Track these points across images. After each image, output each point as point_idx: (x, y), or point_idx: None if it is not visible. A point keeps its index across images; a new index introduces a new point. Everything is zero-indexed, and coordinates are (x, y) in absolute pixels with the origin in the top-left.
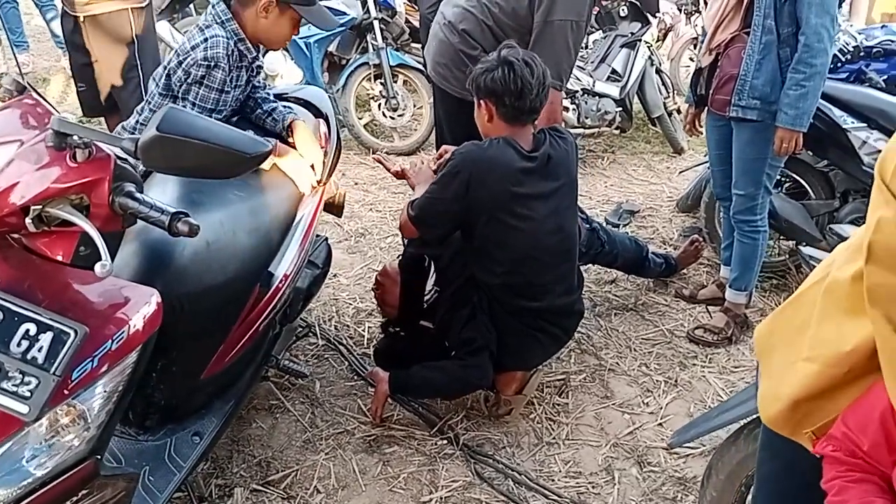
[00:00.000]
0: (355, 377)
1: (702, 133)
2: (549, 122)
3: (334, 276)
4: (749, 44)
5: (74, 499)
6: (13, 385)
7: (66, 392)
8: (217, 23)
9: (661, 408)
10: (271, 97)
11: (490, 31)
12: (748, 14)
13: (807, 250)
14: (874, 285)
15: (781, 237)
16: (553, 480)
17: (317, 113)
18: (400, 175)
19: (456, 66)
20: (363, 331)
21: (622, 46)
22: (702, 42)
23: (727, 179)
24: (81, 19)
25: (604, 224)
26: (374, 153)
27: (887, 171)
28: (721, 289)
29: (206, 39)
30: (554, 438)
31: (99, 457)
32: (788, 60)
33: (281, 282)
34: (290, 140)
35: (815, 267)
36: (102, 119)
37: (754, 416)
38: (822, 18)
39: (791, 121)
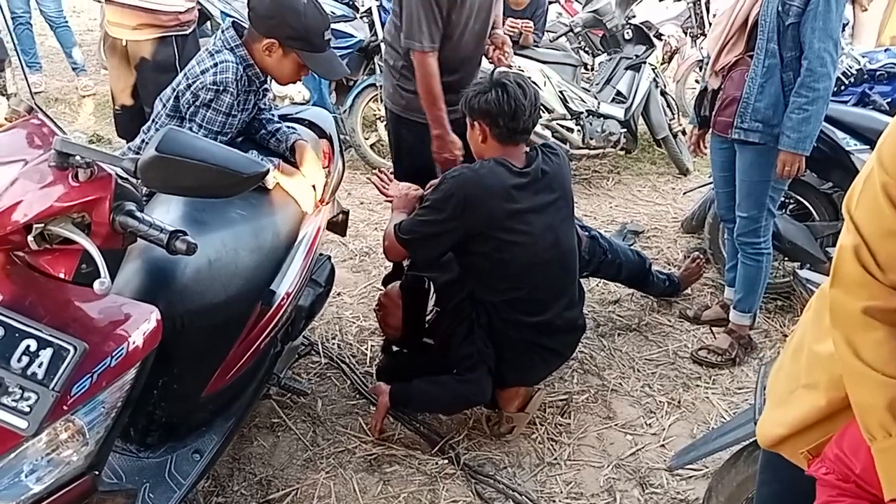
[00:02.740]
0: (357, 396)
1: (706, 154)
2: (431, 94)
3: (338, 294)
4: (752, 67)
5: None
6: (13, 400)
7: (65, 408)
8: (227, 48)
9: (664, 429)
10: (275, 118)
11: (398, 31)
12: (752, 37)
13: (804, 273)
14: (836, 308)
15: (785, 259)
16: (554, 501)
17: (320, 133)
18: (388, 197)
19: (387, 79)
20: (366, 349)
21: (627, 69)
22: (706, 64)
23: (731, 201)
24: (124, 43)
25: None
26: (374, 171)
27: (851, 201)
28: (725, 310)
29: (215, 64)
30: (555, 459)
31: (97, 472)
32: (791, 84)
33: (283, 300)
34: (294, 160)
35: (812, 291)
36: (124, 140)
37: (754, 439)
38: (826, 43)
39: (793, 144)
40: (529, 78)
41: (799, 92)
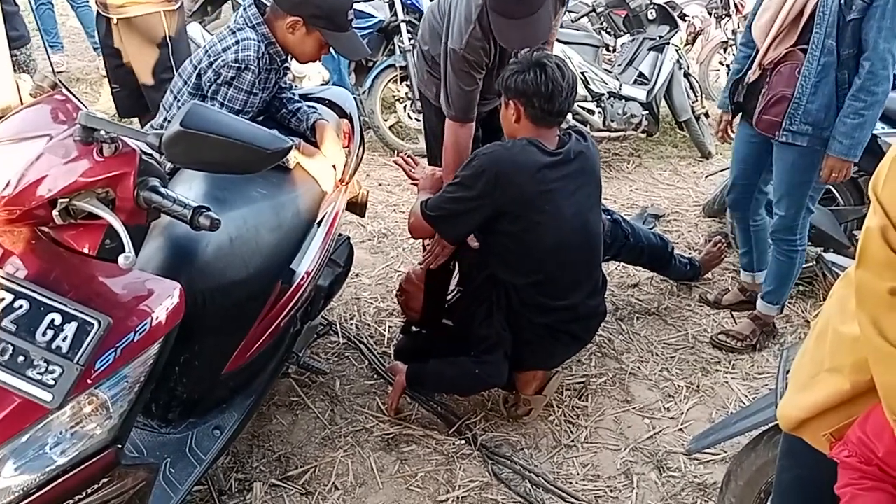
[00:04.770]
0: (375, 376)
1: (733, 141)
2: (455, 166)
3: (356, 275)
4: (806, 64)
5: (95, 486)
6: (38, 373)
7: (89, 381)
8: (248, 26)
9: (682, 413)
10: (296, 97)
11: (439, 21)
12: (806, 30)
13: (830, 257)
14: (862, 289)
15: (809, 243)
16: (571, 483)
17: (341, 113)
18: (415, 180)
19: (420, 62)
20: (384, 330)
21: (650, 50)
22: (733, 45)
23: (746, 193)
24: (115, 21)
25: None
26: (398, 154)
27: (879, 183)
28: (744, 292)
29: (237, 42)
30: (573, 441)
31: (120, 446)
32: (846, 84)
33: (302, 279)
34: (315, 139)
35: (837, 275)
36: (136, 119)
37: (774, 423)
38: (891, 43)
39: (845, 151)
40: None
41: (857, 96)
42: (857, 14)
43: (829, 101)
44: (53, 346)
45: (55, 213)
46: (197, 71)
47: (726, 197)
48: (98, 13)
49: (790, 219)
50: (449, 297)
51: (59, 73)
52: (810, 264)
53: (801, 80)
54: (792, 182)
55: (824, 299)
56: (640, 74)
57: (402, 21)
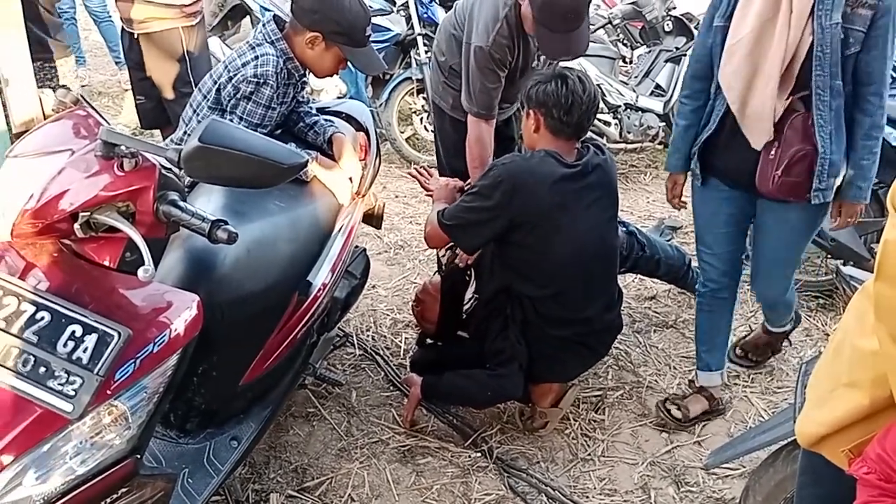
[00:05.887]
0: (391, 387)
1: (687, 205)
2: (480, 160)
3: (373, 287)
4: (817, 112)
5: (115, 496)
6: (59, 384)
7: (108, 392)
8: (267, 41)
9: (701, 427)
10: (313, 111)
11: (458, 30)
12: (803, 74)
13: (847, 270)
14: (881, 302)
15: (828, 256)
16: (587, 497)
17: (358, 126)
18: (430, 191)
19: (435, 73)
20: (400, 342)
21: (666, 61)
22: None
23: (730, 265)
24: (136, 36)
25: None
26: (413, 166)
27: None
28: (711, 401)
29: (256, 57)
30: (589, 455)
31: (139, 456)
32: (850, 124)
33: (319, 291)
34: (332, 152)
35: (855, 288)
36: (158, 131)
37: (793, 438)
38: (889, 68)
39: (864, 195)
40: None
41: (869, 134)
42: (857, 47)
43: (844, 146)
44: (74, 357)
45: (77, 226)
46: (216, 85)
47: (709, 277)
48: (122, 28)
49: (790, 278)
50: (466, 306)
51: (81, 87)
52: (829, 277)
53: (819, 132)
54: (798, 240)
55: (844, 312)
56: (657, 86)
57: (419, 34)
